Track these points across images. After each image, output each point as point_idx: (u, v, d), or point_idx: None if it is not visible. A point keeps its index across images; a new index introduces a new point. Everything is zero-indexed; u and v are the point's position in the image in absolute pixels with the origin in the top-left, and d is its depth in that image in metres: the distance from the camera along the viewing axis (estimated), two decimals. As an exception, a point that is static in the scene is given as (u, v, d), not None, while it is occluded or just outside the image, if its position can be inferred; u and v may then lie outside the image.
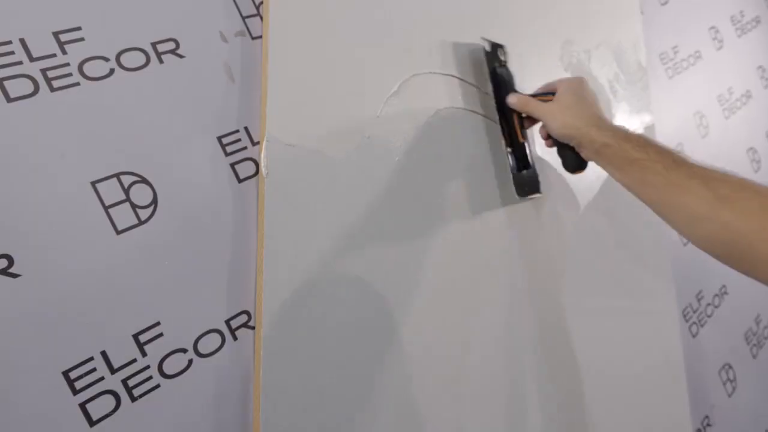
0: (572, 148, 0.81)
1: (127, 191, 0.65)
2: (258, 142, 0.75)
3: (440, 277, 0.85)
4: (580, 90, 0.81)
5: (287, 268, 0.72)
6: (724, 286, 1.30)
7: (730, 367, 1.25)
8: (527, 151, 0.93)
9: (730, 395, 1.23)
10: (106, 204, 0.64)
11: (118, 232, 0.64)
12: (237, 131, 0.74)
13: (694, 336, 1.20)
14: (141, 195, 0.66)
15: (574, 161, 0.83)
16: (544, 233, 0.99)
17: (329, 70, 0.81)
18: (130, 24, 0.69)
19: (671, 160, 0.67)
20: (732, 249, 0.60)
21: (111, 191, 0.64)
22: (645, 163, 0.68)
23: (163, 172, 0.67)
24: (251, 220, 0.72)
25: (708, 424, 1.16)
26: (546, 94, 0.86)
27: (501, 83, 0.93)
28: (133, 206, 0.65)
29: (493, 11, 1.01)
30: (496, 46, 0.94)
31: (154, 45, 0.70)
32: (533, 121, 0.93)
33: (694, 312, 1.22)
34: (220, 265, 0.69)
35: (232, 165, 0.73)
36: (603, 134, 0.74)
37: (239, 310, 0.70)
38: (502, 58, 0.95)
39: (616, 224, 1.10)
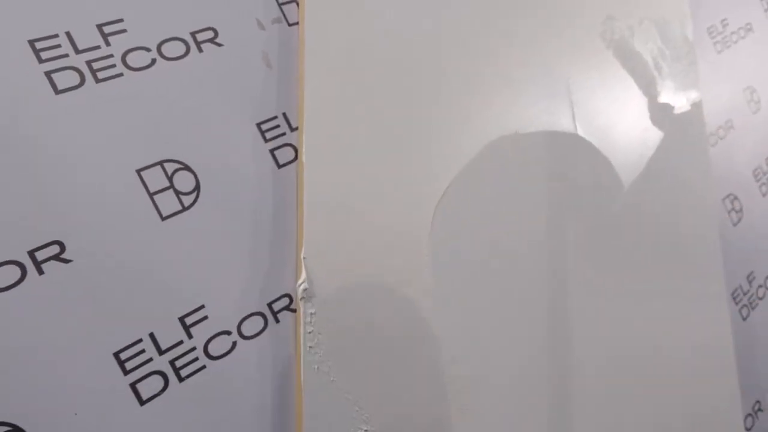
0: None
1: (170, 178, 0.67)
2: (296, 128, 0.76)
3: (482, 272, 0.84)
4: None
5: (326, 252, 0.72)
6: (778, 266, 1.26)
7: (784, 349, 1.22)
8: None
9: (783, 379, 1.19)
10: (151, 191, 0.66)
11: (163, 218, 0.66)
12: (275, 117, 0.75)
13: (744, 319, 1.16)
14: (184, 182, 0.67)
15: None
16: (583, 210, 0.97)
17: (370, 55, 0.81)
18: (170, 14, 0.70)
19: None
20: None
21: (155, 178, 0.66)
22: None
23: (204, 159, 0.69)
24: (291, 206, 0.73)
25: (759, 409, 1.13)
26: None
27: None
28: (177, 193, 0.67)
29: (532, -11, 1.00)
30: None
31: (193, 34, 0.71)
32: None
33: (745, 294, 1.18)
34: (262, 249, 0.71)
35: (272, 151, 0.74)
36: None
37: (281, 293, 0.71)
38: None
39: (660, 202, 1.07)
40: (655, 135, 1.10)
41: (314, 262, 0.72)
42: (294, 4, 0.79)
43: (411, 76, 0.84)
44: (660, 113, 1.13)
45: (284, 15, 0.78)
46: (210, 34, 0.72)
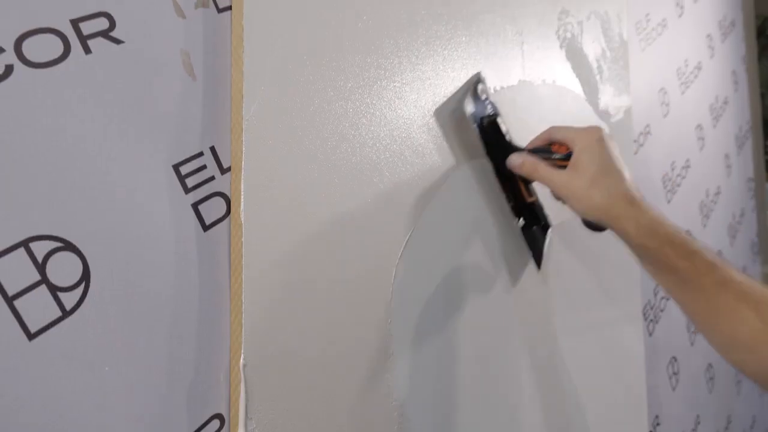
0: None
1: (42, 266, 0.42)
2: (229, 169, 0.52)
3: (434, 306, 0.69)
4: (602, 154, 0.62)
5: (274, 355, 0.52)
6: (673, 276, 1.26)
7: (675, 359, 1.24)
8: (542, 211, 0.77)
9: (674, 389, 1.22)
10: (10, 293, 0.40)
11: (32, 336, 0.41)
12: (200, 154, 0.51)
13: (651, 335, 1.15)
14: (64, 270, 0.43)
15: (598, 226, 0.65)
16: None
17: (331, 48, 0.58)
18: (35, -11, 0.42)
19: (719, 276, 0.56)
20: None
21: (16, 270, 0.41)
22: (689, 275, 0.57)
23: (94, 231, 0.44)
24: (221, 288, 0.51)
25: (657, 423, 1.14)
26: (550, 153, 0.66)
27: (492, 140, 0.71)
28: (53, 289, 0.42)
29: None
30: (474, 91, 0.72)
31: (75, 24, 0.44)
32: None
33: (652, 309, 1.17)
34: (182, 359, 0.49)
35: (195, 205, 0.50)
36: (639, 231, 0.59)
37: (211, 415, 0.50)
38: (483, 98, 0.73)
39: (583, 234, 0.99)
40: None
41: (257, 371, 0.51)
42: (225, -21, 0.53)
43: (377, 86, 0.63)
44: (599, 122, 1.03)
45: (213, -5, 0.52)
46: (102, 24, 0.45)
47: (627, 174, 0.62)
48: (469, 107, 0.70)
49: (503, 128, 0.72)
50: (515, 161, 0.69)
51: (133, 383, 0.45)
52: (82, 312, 0.43)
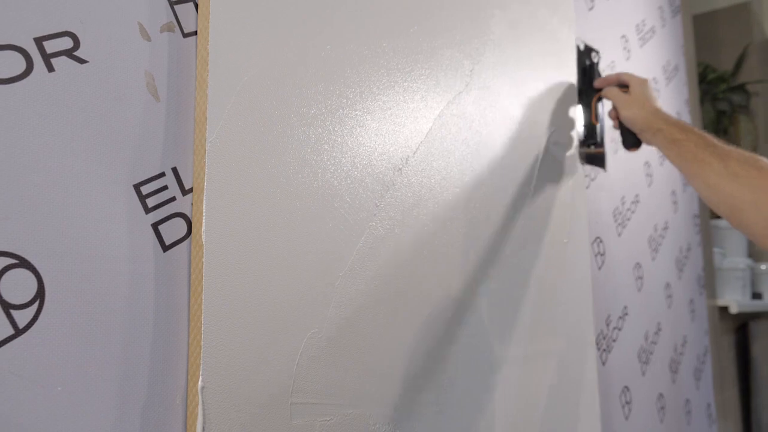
0: (633, 132, 1.02)
1: (-5, 284, 0.41)
2: (191, 190, 0.53)
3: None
4: (647, 90, 1.03)
5: (234, 378, 0.52)
6: (626, 306, 1.30)
7: (628, 389, 1.26)
8: (598, 131, 1.15)
9: (627, 418, 1.24)
10: (-40, 310, 0.39)
11: (-18, 354, 0.40)
12: (162, 174, 0.51)
13: (604, 364, 1.18)
14: (18, 287, 0.42)
15: (633, 141, 1.04)
16: (480, 256, 0.87)
17: (295, 75, 0.60)
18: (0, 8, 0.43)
19: (703, 141, 0.86)
20: (733, 214, 0.79)
21: (-32, 287, 0.40)
22: (683, 142, 0.88)
23: (51, 248, 0.44)
24: (180, 309, 0.51)
25: (611, 455, 1.16)
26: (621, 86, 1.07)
27: (588, 73, 1.16)
28: (6, 307, 0.41)
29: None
30: (589, 50, 1.20)
31: (39, 42, 0.44)
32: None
33: (604, 339, 1.20)
34: (137, 380, 0.48)
35: (155, 225, 0.50)
36: (659, 122, 0.95)
37: (165, 439, 0.49)
38: (595, 60, 1.19)
39: (540, 261, 1.01)
40: (541, 182, 1.03)
41: (216, 394, 0.51)
42: (192, 4, 0.54)
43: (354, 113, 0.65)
44: (550, 159, 1.06)
45: (178, 20, 0.53)
46: (67, 43, 0.46)
47: (659, 104, 1.01)
48: (581, 48, 1.18)
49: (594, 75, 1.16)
50: (600, 81, 1.11)
51: (86, 404, 0.44)
52: (36, 330, 0.42)
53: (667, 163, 1.65)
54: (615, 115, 1.06)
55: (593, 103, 1.14)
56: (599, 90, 1.12)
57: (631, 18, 1.54)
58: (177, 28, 0.53)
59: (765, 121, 2.92)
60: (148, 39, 0.50)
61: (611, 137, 1.29)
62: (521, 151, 0.96)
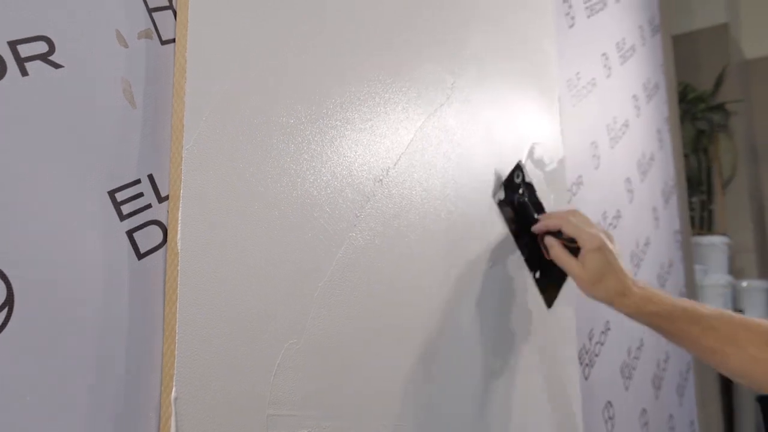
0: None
1: (-39, 290, 0.40)
2: (167, 197, 0.52)
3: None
4: (602, 260, 0.85)
5: (209, 388, 0.51)
6: (608, 321, 1.30)
7: (611, 404, 1.26)
8: (556, 267, 0.93)
9: (610, 434, 1.24)
10: (-75, 316, 0.38)
11: (-54, 362, 0.39)
12: (138, 182, 0.50)
13: (586, 379, 1.18)
14: (-14, 294, 0.41)
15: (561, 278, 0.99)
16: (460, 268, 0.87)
17: (275, 84, 0.60)
18: (-27, 9, 0.42)
19: (700, 328, 0.78)
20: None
21: (-67, 292, 0.39)
22: (678, 332, 0.81)
23: (21, 253, 0.43)
24: (155, 318, 0.50)
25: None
26: (561, 236, 0.91)
27: (522, 210, 0.97)
28: (-27, 314, 0.40)
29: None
30: (512, 175, 0.97)
31: (13, 46, 0.44)
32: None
33: (587, 353, 1.20)
34: (109, 390, 0.47)
35: (130, 233, 0.49)
36: (631, 312, 0.84)
37: (137, 451, 0.48)
38: (518, 181, 0.98)
39: (522, 274, 1.01)
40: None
41: (190, 405, 0.50)
42: (170, 11, 0.54)
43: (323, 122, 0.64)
44: (532, 171, 1.07)
45: (156, 27, 0.53)
46: (41, 48, 0.45)
47: (623, 267, 0.86)
48: (500, 195, 0.95)
49: (530, 210, 0.97)
50: (550, 242, 0.92)
51: (56, 415, 0.43)
52: (4, 339, 0.41)
53: (648, 179, 1.67)
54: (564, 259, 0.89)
55: (541, 243, 0.95)
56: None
57: (611, 36, 1.57)
58: (155, 35, 0.53)
59: (744, 140, 2.97)
60: (126, 45, 0.50)
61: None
62: (502, 164, 0.97)
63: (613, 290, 0.84)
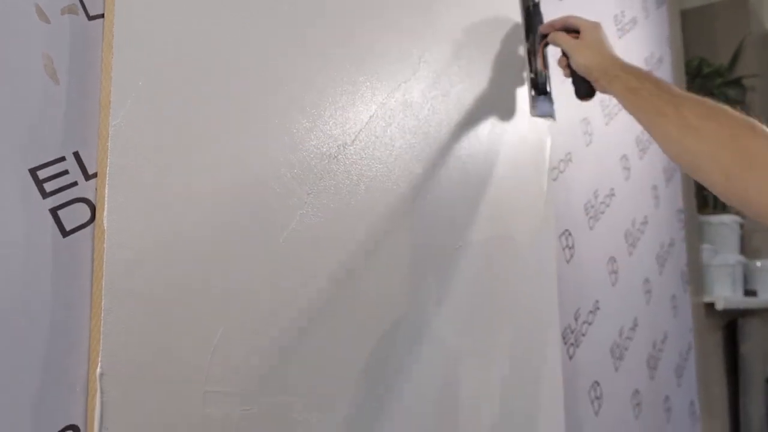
0: (587, 81, 0.94)
1: None
2: (95, 175, 0.52)
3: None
4: (601, 34, 0.95)
5: (134, 364, 0.51)
6: (597, 301, 1.28)
7: (598, 384, 1.25)
8: (547, 79, 1.08)
9: (596, 413, 1.23)
10: None
11: None
12: (62, 159, 0.50)
13: (570, 358, 1.16)
14: None
15: (587, 90, 0.96)
16: (427, 246, 0.86)
17: (211, 58, 0.59)
18: None
19: (658, 89, 0.81)
20: (692, 168, 0.76)
21: None
22: (639, 91, 0.83)
23: (-66, 230, 0.43)
24: (82, 294, 0.50)
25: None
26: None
27: (533, 15, 1.08)
28: None
29: None
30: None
31: None
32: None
33: (572, 333, 1.18)
34: (32, 364, 0.47)
35: (54, 210, 0.49)
36: (616, 69, 0.88)
37: (63, 426, 0.48)
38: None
39: (498, 252, 1.00)
40: (502, 170, 1.02)
41: (118, 382, 0.50)
42: (98, -13, 0.54)
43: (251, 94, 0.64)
44: (512, 148, 1.05)
45: (83, 2, 0.52)
46: (-48, 24, 0.45)
47: (612, 48, 0.94)
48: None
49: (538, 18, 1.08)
50: (549, 28, 1.01)
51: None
52: None
53: (647, 157, 1.63)
54: (566, 63, 0.98)
55: (540, 50, 1.05)
56: (545, 35, 1.03)
57: (607, 9, 1.52)
58: (81, 11, 0.52)
59: (761, 115, 2.88)
60: (47, 21, 0.50)
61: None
62: (476, 140, 0.95)
63: (609, 56, 0.91)
